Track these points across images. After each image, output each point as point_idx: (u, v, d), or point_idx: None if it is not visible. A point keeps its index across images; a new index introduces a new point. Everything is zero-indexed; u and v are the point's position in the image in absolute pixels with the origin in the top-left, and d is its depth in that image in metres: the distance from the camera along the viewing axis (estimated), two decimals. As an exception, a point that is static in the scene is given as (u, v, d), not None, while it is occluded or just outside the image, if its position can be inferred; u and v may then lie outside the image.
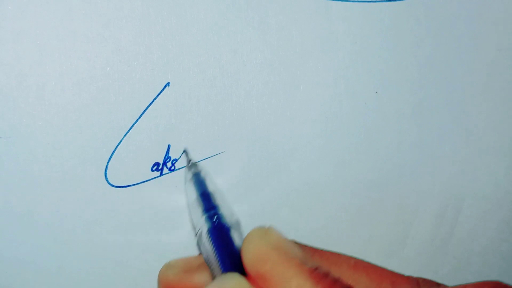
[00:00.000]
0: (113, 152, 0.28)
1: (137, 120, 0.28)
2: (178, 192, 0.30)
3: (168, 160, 0.29)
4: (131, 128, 0.28)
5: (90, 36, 0.27)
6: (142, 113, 0.28)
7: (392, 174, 0.35)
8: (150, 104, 0.28)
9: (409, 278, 0.25)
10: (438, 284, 0.25)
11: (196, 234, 0.26)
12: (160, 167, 0.29)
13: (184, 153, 0.29)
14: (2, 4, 0.25)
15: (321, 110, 0.32)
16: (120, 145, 0.28)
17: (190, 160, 0.29)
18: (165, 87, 0.28)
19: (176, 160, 0.29)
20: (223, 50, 0.29)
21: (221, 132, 0.30)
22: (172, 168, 0.29)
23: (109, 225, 0.29)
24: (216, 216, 0.26)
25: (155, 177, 0.29)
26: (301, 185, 0.33)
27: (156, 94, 0.28)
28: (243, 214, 0.32)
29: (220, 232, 0.25)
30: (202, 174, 0.28)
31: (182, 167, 0.30)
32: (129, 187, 0.29)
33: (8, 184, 0.27)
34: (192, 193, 0.28)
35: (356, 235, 0.36)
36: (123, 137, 0.28)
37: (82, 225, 0.29)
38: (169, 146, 0.29)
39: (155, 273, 0.31)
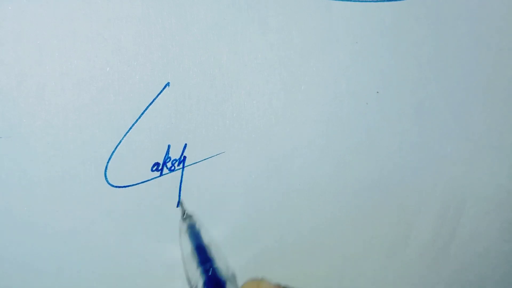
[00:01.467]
0: (113, 152, 0.28)
1: (137, 120, 0.28)
2: (177, 193, 0.30)
3: (168, 160, 0.29)
4: (131, 128, 0.28)
5: (90, 36, 0.27)
6: (142, 113, 0.28)
7: (393, 175, 0.35)
8: (150, 104, 0.28)
9: None
10: None
11: (192, 287, 0.27)
12: (160, 167, 0.29)
13: (179, 205, 0.30)
14: (2, 4, 0.25)
15: (322, 110, 0.32)
16: (120, 145, 0.28)
17: (185, 212, 0.29)
18: (165, 87, 0.28)
19: (176, 160, 0.29)
20: (223, 50, 0.29)
21: (221, 132, 0.30)
22: (172, 168, 0.29)
23: (109, 225, 0.29)
24: (211, 269, 0.26)
25: (155, 177, 0.29)
26: (302, 185, 0.33)
27: (156, 94, 0.28)
28: (243, 215, 0.32)
29: (215, 286, 0.26)
30: (197, 226, 0.29)
31: (182, 168, 0.30)
32: (129, 187, 0.29)
33: (8, 184, 0.27)
34: (187, 245, 0.28)
35: (358, 236, 0.36)
36: (123, 137, 0.28)
37: (82, 225, 0.29)
38: (169, 146, 0.29)
39: (155, 273, 0.31)
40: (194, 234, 0.28)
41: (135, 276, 0.31)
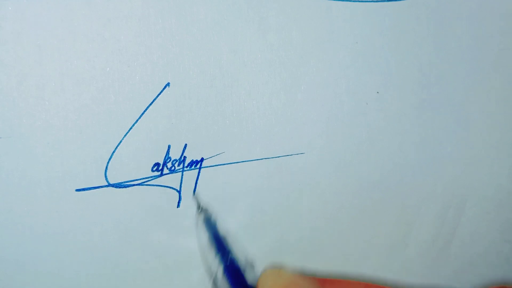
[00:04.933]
0: (113, 152, 0.28)
1: (137, 120, 0.28)
2: (177, 193, 0.30)
3: (168, 160, 0.29)
4: (131, 128, 0.28)
5: (90, 36, 0.27)
6: (142, 113, 0.28)
7: (393, 175, 0.35)
8: (150, 104, 0.28)
9: None
10: None
11: (211, 277, 0.28)
12: (160, 168, 0.29)
13: (194, 197, 0.30)
14: (2, 4, 0.25)
15: (322, 110, 0.32)
16: (120, 145, 0.28)
17: (200, 205, 0.30)
18: (165, 87, 0.28)
19: (176, 160, 0.29)
20: (223, 50, 0.29)
21: (221, 132, 0.30)
22: (173, 168, 0.29)
23: (109, 225, 0.29)
24: (230, 258, 0.27)
25: (156, 178, 0.29)
26: (302, 185, 0.33)
27: (156, 94, 0.28)
28: (243, 215, 0.32)
29: (235, 274, 0.26)
30: (213, 217, 0.29)
31: (183, 168, 0.30)
32: (130, 188, 0.29)
33: (8, 184, 0.27)
34: (204, 237, 0.29)
35: (358, 236, 0.36)
36: (123, 137, 0.28)
37: (82, 225, 0.29)
38: (169, 147, 0.29)
39: (155, 273, 0.31)
40: (211, 226, 0.29)
41: (135, 276, 0.31)
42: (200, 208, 0.30)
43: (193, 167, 0.30)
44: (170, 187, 0.30)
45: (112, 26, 0.27)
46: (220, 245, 0.28)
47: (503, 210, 0.39)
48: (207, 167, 0.30)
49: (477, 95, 0.36)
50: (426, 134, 0.35)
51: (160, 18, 0.28)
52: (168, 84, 0.28)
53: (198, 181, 0.30)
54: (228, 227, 0.31)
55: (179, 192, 0.30)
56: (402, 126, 0.34)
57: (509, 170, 0.38)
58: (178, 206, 0.30)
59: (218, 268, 0.27)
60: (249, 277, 0.26)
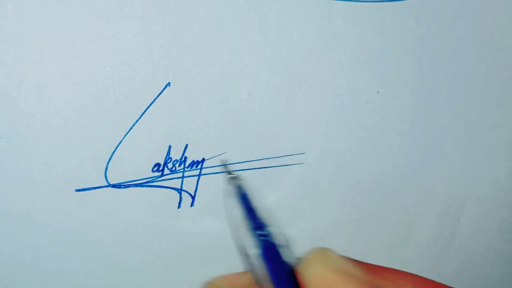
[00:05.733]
0: (113, 152, 0.28)
1: (137, 120, 0.28)
2: (178, 194, 0.30)
3: (169, 160, 0.29)
4: (131, 128, 0.28)
5: (90, 36, 0.26)
6: (143, 113, 0.28)
7: (394, 175, 0.35)
8: (151, 104, 0.28)
9: None
10: None
11: (244, 253, 0.25)
12: (161, 168, 0.29)
13: (222, 165, 0.28)
14: (2, 4, 0.25)
15: (323, 110, 0.32)
16: (120, 145, 0.28)
17: (229, 172, 0.27)
18: (165, 87, 0.28)
19: (177, 161, 0.29)
20: (224, 50, 0.29)
21: (222, 132, 0.30)
22: (173, 169, 0.29)
23: (109, 225, 0.29)
24: (268, 236, 0.24)
25: (156, 178, 0.29)
26: (303, 185, 0.33)
27: (157, 94, 0.28)
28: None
29: (273, 252, 0.24)
30: (244, 186, 0.27)
31: (183, 169, 0.30)
32: (130, 188, 0.29)
33: (8, 184, 0.27)
34: (235, 208, 0.26)
35: (359, 236, 0.36)
36: (124, 138, 0.28)
37: (82, 225, 0.29)
38: (170, 147, 0.29)
39: (155, 274, 0.31)
40: (243, 196, 0.26)
41: (135, 276, 0.31)
42: (231, 175, 0.27)
43: (194, 167, 0.30)
44: (170, 188, 0.30)
45: (112, 26, 0.27)
46: (256, 219, 0.25)
47: (502, 209, 0.39)
48: (208, 167, 0.30)
49: (477, 95, 0.36)
50: (426, 134, 0.35)
51: (160, 18, 0.27)
52: (168, 84, 0.28)
53: (199, 182, 0.30)
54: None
55: (180, 192, 0.30)
56: (402, 126, 0.34)
57: (509, 169, 0.38)
58: (178, 206, 0.30)
59: (253, 246, 0.24)
60: (287, 256, 0.23)
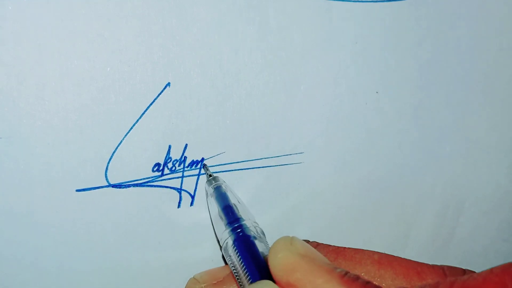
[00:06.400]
0: (114, 152, 0.28)
1: (137, 121, 0.28)
2: (178, 193, 0.30)
3: (169, 160, 0.29)
4: (131, 128, 0.28)
5: (90, 36, 0.26)
6: (143, 114, 0.28)
7: (393, 174, 0.35)
8: (151, 104, 0.28)
9: (434, 267, 0.26)
10: (463, 271, 0.25)
11: (222, 247, 0.27)
12: (161, 168, 0.29)
13: (203, 167, 0.30)
14: (2, 4, 0.25)
15: (322, 110, 0.32)
16: (120, 145, 0.28)
17: (210, 174, 0.30)
18: (165, 87, 0.28)
19: (177, 160, 0.29)
20: (224, 50, 0.29)
21: (222, 132, 0.30)
22: (173, 168, 0.29)
23: (109, 225, 0.29)
24: (240, 229, 0.27)
25: (156, 178, 0.29)
26: (301, 185, 0.33)
27: (157, 94, 0.28)
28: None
29: (245, 243, 0.26)
30: (223, 187, 0.29)
31: (183, 168, 0.30)
32: (130, 188, 0.29)
33: (8, 184, 0.27)
34: (215, 207, 0.29)
35: (357, 235, 0.36)
36: (124, 138, 0.28)
37: (82, 225, 0.29)
38: (170, 147, 0.29)
39: (155, 274, 0.31)
40: (221, 195, 0.29)
41: (135, 276, 0.31)
42: (210, 177, 0.29)
43: (193, 167, 0.30)
44: (170, 187, 0.30)
45: (112, 26, 0.27)
46: (230, 214, 0.28)
47: (501, 209, 0.39)
48: (207, 167, 0.30)
49: (476, 95, 0.36)
50: (425, 134, 0.35)
51: (160, 18, 0.27)
52: (168, 84, 0.28)
53: (198, 181, 0.30)
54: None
55: (180, 192, 0.30)
56: (402, 126, 0.34)
57: (508, 169, 0.38)
58: (178, 206, 0.30)
59: (228, 239, 0.27)
60: (260, 248, 0.26)
